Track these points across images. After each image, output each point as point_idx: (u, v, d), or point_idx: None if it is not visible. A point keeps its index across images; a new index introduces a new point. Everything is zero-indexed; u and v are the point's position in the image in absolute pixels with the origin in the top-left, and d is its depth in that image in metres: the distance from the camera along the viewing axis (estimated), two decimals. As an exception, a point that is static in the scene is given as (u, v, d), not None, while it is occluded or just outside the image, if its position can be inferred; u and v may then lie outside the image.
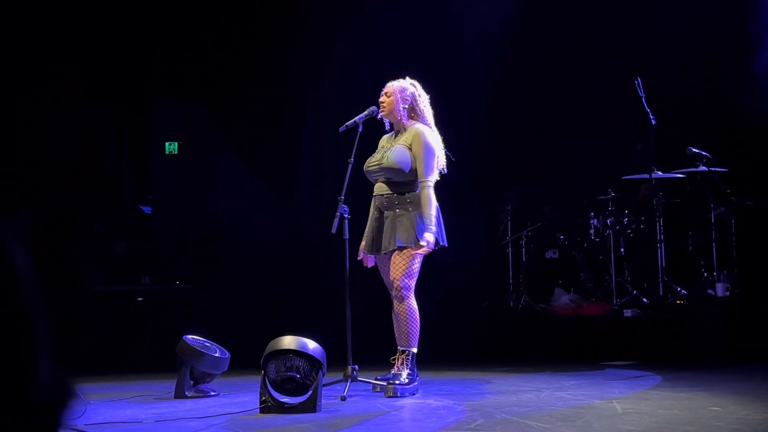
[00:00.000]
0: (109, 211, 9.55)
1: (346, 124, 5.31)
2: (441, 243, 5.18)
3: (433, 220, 5.08)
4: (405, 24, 8.42)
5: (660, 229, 7.56)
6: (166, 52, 8.91)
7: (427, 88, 5.41)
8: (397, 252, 5.10)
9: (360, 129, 5.31)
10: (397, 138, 5.31)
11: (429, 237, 5.04)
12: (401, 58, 7.55)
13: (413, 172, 5.17)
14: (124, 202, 9.85)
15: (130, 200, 9.89)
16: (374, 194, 5.30)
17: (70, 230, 8.83)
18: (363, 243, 5.36)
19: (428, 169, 5.15)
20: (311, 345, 4.61)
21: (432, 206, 5.10)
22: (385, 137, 5.46)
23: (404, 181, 5.18)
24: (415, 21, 8.44)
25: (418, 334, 5.16)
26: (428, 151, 5.18)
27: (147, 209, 9.77)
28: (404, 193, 5.16)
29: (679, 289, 7.48)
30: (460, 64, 8.57)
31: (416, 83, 5.37)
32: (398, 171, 5.15)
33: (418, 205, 5.13)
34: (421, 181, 5.14)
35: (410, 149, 5.18)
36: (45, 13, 8.35)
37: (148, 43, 8.82)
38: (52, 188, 8.69)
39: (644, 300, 7.55)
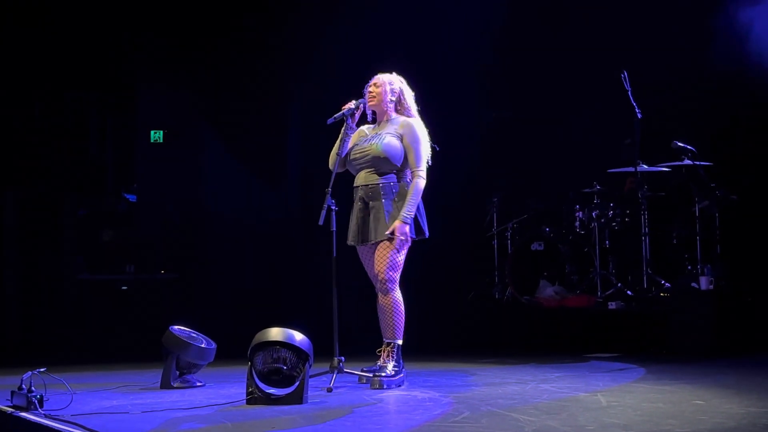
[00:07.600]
0: (93, 199, 9.50)
1: (334, 116, 5.29)
2: (423, 233, 5.19)
3: (414, 211, 5.09)
4: (391, 17, 8.40)
5: (645, 222, 7.60)
6: (152, 39, 8.87)
7: (413, 80, 5.41)
8: (381, 243, 5.10)
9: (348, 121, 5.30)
10: (381, 127, 5.30)
11: (404, 229, 5.05)
12: (387, 50, 7.55)
13: (402, 162, 5.17)
14: (109, 190, 9.80)
15: (114, 188, 9.84)
16: (357, 185, 5.25)
17: (54, 218, 8.80)
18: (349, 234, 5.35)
19: (419, 159, 5.15)
20: (298, 337, 4.61)
21: (418, 198, 5.11)
22: (365, 127, 5.42)
23: (390, 171, 5.17)
24: (402, 14, 8.43)
25: (403, 326, 5.17)
26: (419, 141, 5.18)
27: (132, 197, 9.74)
28: (390, 183, 5.15)
29: (663, 281, 7.52)
30: (446, 56, 8.56)
31: (403, 80, 5.38)
32: (385, 160, 5.14)
33: (404, 195, 5.13)
34: (414, 170, 5.15)
35: (401, 140, 5.18)
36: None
37: (134, 31, 8.78)
38: (36, 176, 8.66)
39: (628, 292, 7.59)
